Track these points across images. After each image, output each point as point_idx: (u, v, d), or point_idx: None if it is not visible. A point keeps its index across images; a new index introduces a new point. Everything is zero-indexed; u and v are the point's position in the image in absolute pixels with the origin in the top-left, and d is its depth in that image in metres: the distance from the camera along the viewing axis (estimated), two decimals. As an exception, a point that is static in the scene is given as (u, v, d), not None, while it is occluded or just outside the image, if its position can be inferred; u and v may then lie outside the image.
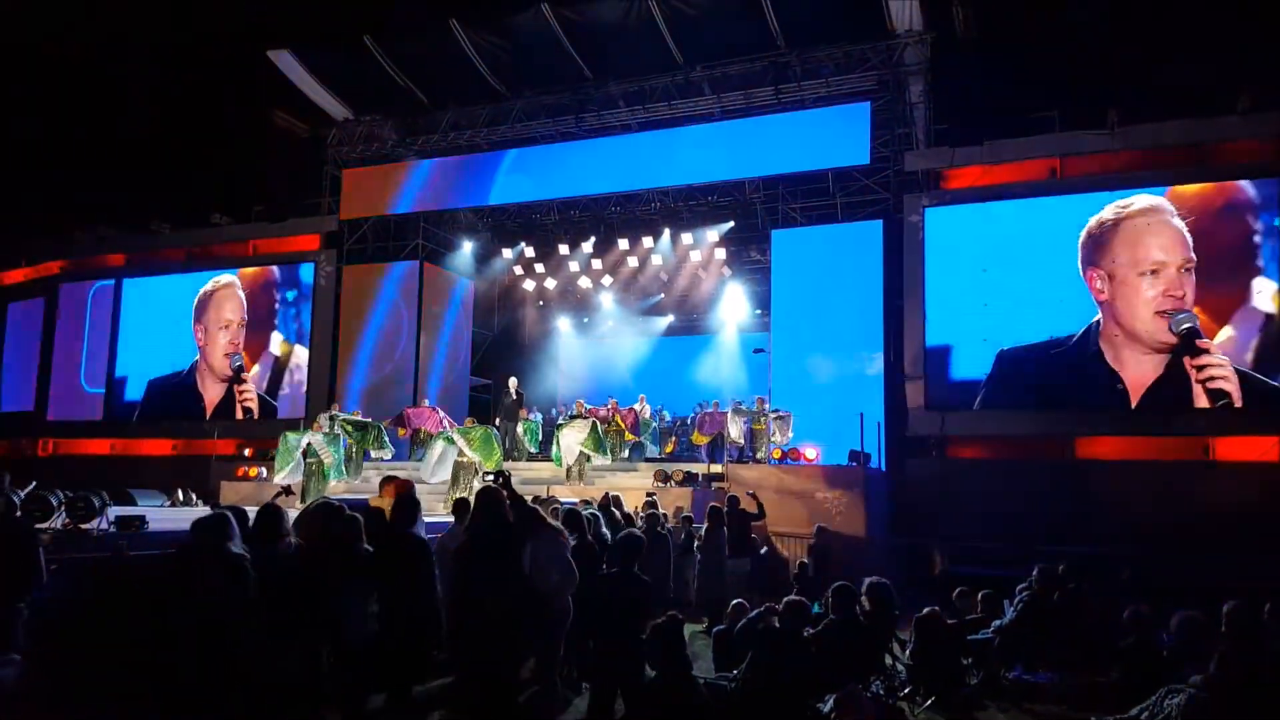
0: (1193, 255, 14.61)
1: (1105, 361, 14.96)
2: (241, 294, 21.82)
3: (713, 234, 20.29)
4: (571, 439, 15.09)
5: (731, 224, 20.30)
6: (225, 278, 22.08)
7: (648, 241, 20.67)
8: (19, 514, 8.09)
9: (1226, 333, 14.39)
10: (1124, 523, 13.71)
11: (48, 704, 4.29)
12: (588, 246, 21.37)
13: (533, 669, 6.87)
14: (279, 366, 21.23)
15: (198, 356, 22.08)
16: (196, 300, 22.21)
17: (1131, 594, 8.71)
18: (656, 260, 21.27)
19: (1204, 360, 14.29)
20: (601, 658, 6.23)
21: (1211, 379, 14.22)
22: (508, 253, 22.17)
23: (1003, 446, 15.98)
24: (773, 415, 15.24)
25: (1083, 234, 15.38)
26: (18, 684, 4.11)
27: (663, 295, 23.11)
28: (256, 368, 21.40)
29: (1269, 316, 14.27)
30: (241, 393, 21.39)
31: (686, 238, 20.37)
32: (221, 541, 5.06)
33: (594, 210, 20.89)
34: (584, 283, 22.77)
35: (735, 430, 15.65)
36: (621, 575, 6.19)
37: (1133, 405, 14.69)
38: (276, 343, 21.34)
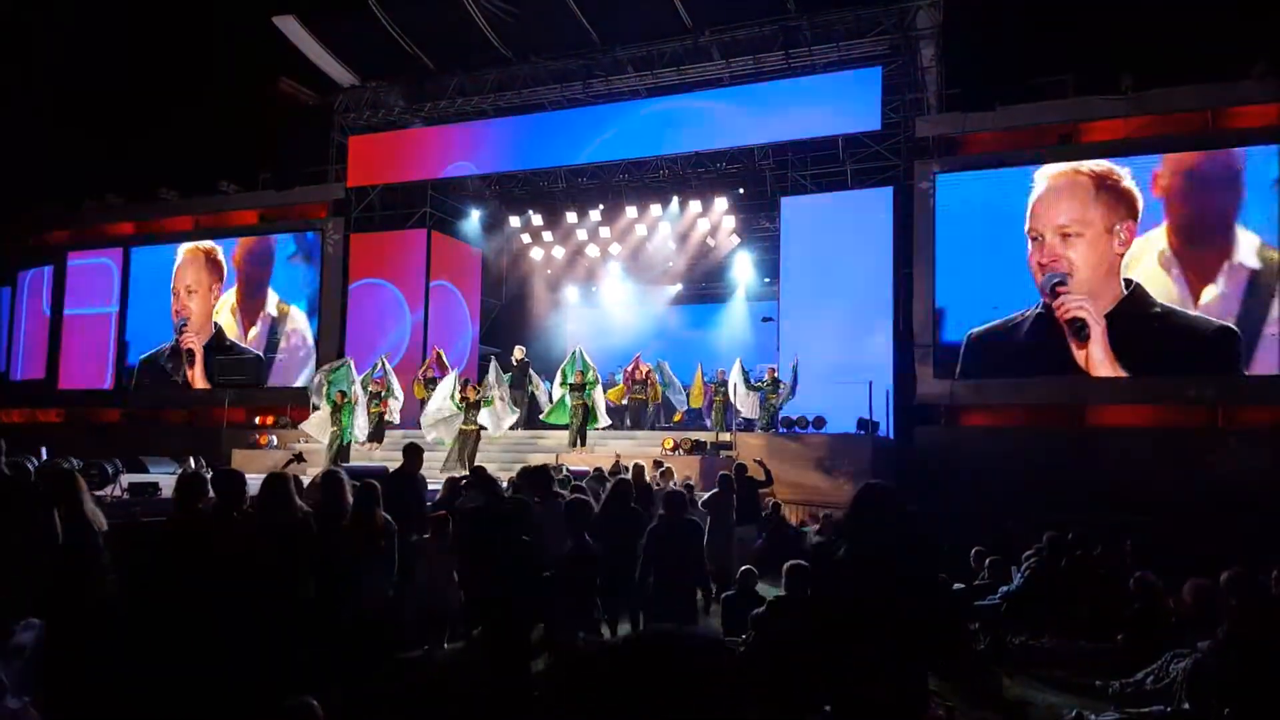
0: (1072, 222, 15.03)
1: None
2: (212, 259, 22.02)
3: (722, 201, 20.19)
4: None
5: (740, 191, 20.19)
6: (200, 244, 22.27)
7: (656, 209, 20.60)
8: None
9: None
10: (1133, 490, 13.65)
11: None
12: (596, 214, 21.30)
13: (540, 634, 6.93)
14: (275, 326, 21.33)
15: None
16: (174, 270, 22.47)
17: (1139, 562, 8.71)
18: (665, 228, 21.17)
19: (1062, 299, 14.99)
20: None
21: (1067, 310, 14.95)
22: (515, 220, 22.11)
23: (1012, 413, 15.93)
24: (774, 383, 15.28)
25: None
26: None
27: (671, 263, 23.04)
28: (256, 328, 21.50)
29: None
30: (184, 341, 21.87)
31: (695, 205, 20.28)
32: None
33: (602, 178, 20.80)
34: (592, 251, 22.70)
35: (745, 405, 15.68)
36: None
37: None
38: (273, 303, 21.42)
